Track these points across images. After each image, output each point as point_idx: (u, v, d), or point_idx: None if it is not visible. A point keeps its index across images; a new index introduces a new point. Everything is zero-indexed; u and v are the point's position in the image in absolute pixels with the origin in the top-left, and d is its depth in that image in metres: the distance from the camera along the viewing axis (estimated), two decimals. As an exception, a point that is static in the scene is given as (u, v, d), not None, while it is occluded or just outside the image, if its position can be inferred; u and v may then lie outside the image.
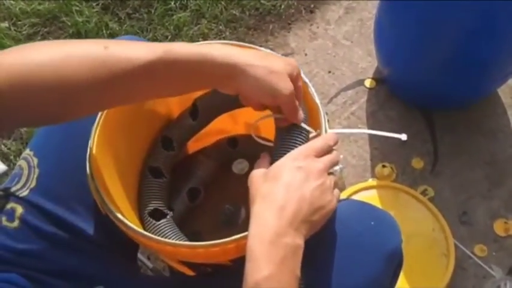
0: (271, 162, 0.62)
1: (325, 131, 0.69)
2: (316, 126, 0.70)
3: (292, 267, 0.54)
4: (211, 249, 0.62)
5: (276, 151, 0.66)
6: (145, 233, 0.65)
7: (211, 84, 0.62)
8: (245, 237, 0.59)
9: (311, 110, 0.73)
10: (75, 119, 0.59)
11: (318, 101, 0.73)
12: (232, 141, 0.98)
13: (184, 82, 0.61)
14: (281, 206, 0.56)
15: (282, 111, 0.64)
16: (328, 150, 0.63)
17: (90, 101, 0.58)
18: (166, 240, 0.66)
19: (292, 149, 0.63)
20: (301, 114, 0.65)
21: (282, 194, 0.57)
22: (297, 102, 0.64)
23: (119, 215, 0.65)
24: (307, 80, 0.73)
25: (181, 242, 0.69)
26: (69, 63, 0.54)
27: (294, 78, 0.63)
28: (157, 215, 0.81)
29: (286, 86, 0.61)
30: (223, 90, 0.62)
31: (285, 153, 0.62)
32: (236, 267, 0.72)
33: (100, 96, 0.57)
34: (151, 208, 0.81)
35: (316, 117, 0.71)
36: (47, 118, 0.58)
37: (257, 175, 0.61)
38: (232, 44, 0.76)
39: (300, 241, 0.55)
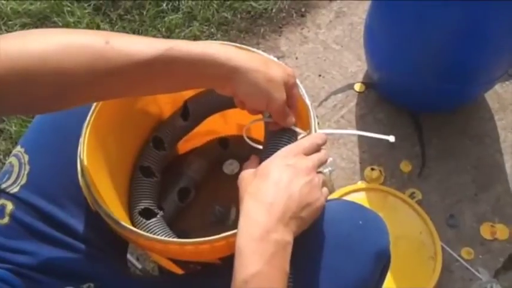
0: (260, 163, 0.63)
1: (315, 131, 0.70)
2: (306, 126, 0.71)
3: (281, 263, 0.54)
4: (200, 246, 0.62)
5: (264, 152, 0.67)
6: (135, 229, 0.65)
7: (210, 84, 0.63)
8: (235, 234, 0.60)
9: (301, 111, 0.73)
10: (70, 108, 0.60)
11: (308, 101, 0.74)
12: (223, 142, 0.99)
13: (183, 80, 0.61)
14: (270, 202, 0.56)
15: (272, 116, 0.66)
16: (316, 149, 0.64)
17: (87, 92, 0.58)
18: (156, 236, 0.66)
19: (280, 149, 0.63)
20: (291, 118, 0.67)
21: (270, 191, 0.57)
22: (288, 109, 0.65)
23: (109, 212, 0.66)
24: (298, 82, 0.74)
25: (170, 239, 0.70)
26: (69, 55, 0.54)
27: (290, 86, 0.65)
28: (148, 214, 0.81)
29: (280, 96, 0.63)
30: (220, 91, 0.63)
31: (273, 154, 0.62)
32: (225, 266, 0.73)
33: (98, 88, 0.58)
34: (142, 207, 0.82)
35: (306, 118, 0.72)
36: (42, 106, 0.58)
37: (246, 175, 0.62)
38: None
39: (289, 237, 0.56)
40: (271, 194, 0.57)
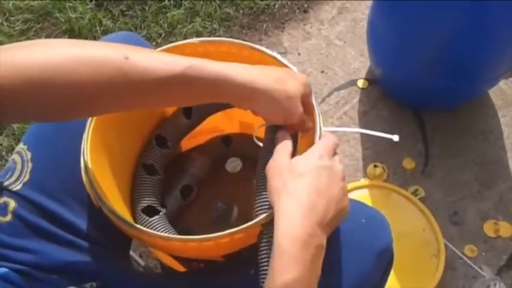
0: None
1: (320, 128, 0.70)
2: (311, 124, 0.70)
3: (318, 268, 0.54)
4: (204, 243, 0.62)
5: (264, 152, 0.66)
6: (139, 226, 0.65)
7: (226, 101, 0.62)
8: (240, 231, 0.60)
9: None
10: (82, 118, 0.59)
11: (313, 100, 0.73)
12: (226, 140, 0.98)
13: (200, 97, 0.61)
14: (311, 206, 0.55)
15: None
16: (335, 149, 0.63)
17: (103, 106, 0.58)
18: (159, 233, 0.66)
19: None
20: (308, 123, 0.67)
21: (310, 194, 0.56)
22: (305, 117, 0.66)
23: (113, 209, 0.65)
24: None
25: (173, 236, 0.69)
26: (86, 69, 0.53)
27: (306, 96, 0.66)
28: (150, 211, 0.81)
29: (297, 111, 0.63)
30: (237, 107, 0.63)
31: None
32: (228, 263, 0.73)
33: (114, 102, 0.57)
34: (145, 205, 0.81)
35: (311, 116, 0.72)
36: (55, 117, 0.57)
37: (280, 165, 0.60)
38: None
39: (324, 242, 0.55)
40: (312, 198, 0.56)
